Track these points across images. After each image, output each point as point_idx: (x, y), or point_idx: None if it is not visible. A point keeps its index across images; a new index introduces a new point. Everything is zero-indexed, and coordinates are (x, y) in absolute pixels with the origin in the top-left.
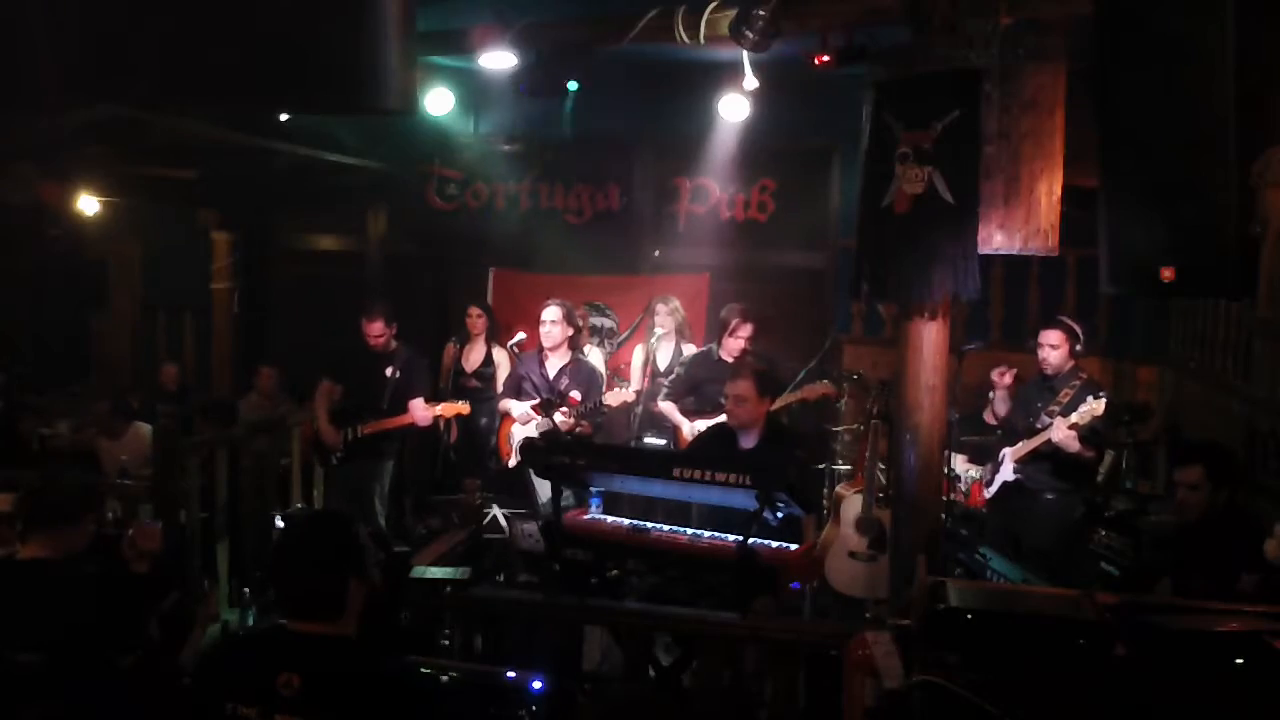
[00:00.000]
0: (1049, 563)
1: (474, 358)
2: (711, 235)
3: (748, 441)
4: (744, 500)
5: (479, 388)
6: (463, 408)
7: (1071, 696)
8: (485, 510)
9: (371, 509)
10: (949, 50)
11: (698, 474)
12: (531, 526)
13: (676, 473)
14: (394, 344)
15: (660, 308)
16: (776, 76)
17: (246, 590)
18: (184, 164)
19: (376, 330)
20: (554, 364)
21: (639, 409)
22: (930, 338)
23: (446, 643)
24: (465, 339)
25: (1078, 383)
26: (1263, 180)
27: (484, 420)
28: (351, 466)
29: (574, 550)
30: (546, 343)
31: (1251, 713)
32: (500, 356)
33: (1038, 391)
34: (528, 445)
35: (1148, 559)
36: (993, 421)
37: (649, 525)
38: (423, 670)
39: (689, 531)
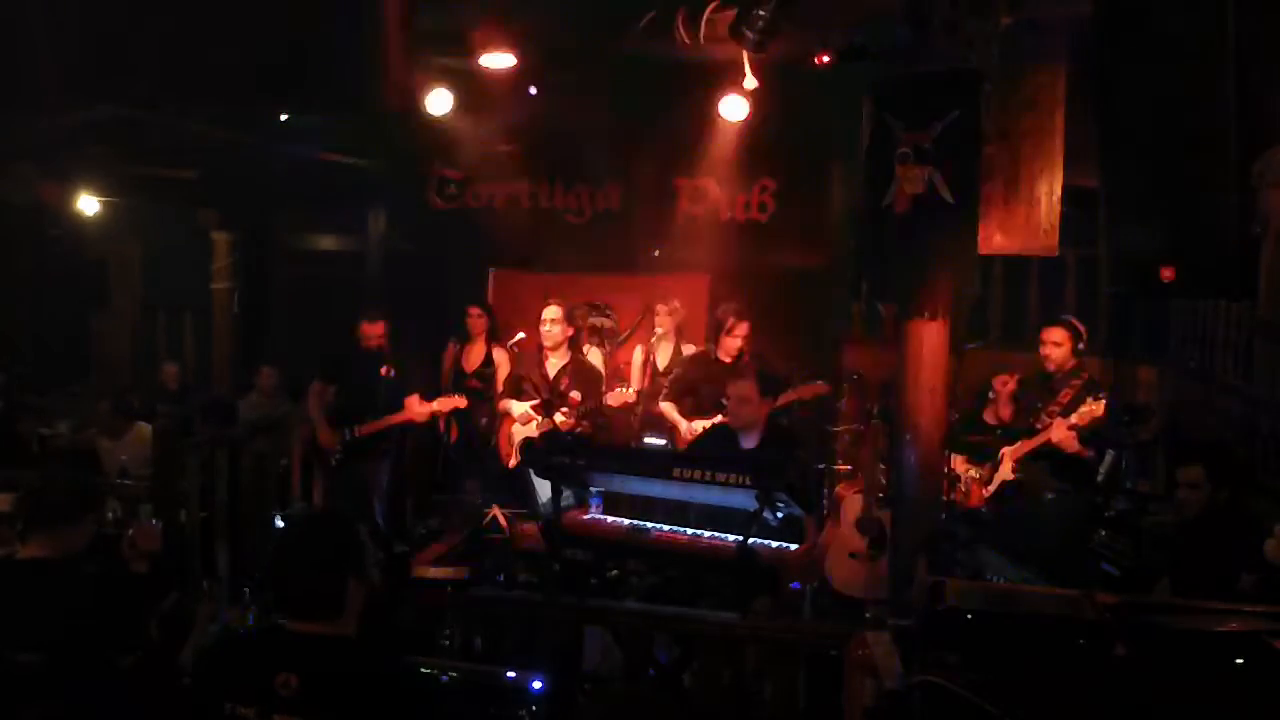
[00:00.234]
0: (1049, 563)
1: (474, 358)
2: (711, 235)
3: (749, 442)
4: (744, 500)
5: (479, 388)
6: (459, 400)
7: (1071, 696)
8: (485, 510)
9: (370, 509)
10: (949, 50)
11: (698, 474)
12: (531, 526)
13: (676, 473)
14: (387, 343)
15: (660, 308)
16: (776, 76)
17: (246, 590)
18: (184, 164)
19: (379, 331)
20: (554, 364)
21: (639, 409)
22: (930, 338)
23: (446, 643)
24: (465, 339)
25: (1077, 383)
26: (1263, 180)
27: (484, 420)
28: (350, 467)
29: (574, 550)
30: (546, 343)
31: (1251, 713)
32: (500, 356)
33: (1037, 392)
34: (528, 445)
35: (1148, 559)
36: (993, 422)
37: (649, 525)
38: (423, 670)
39: (689, 531)
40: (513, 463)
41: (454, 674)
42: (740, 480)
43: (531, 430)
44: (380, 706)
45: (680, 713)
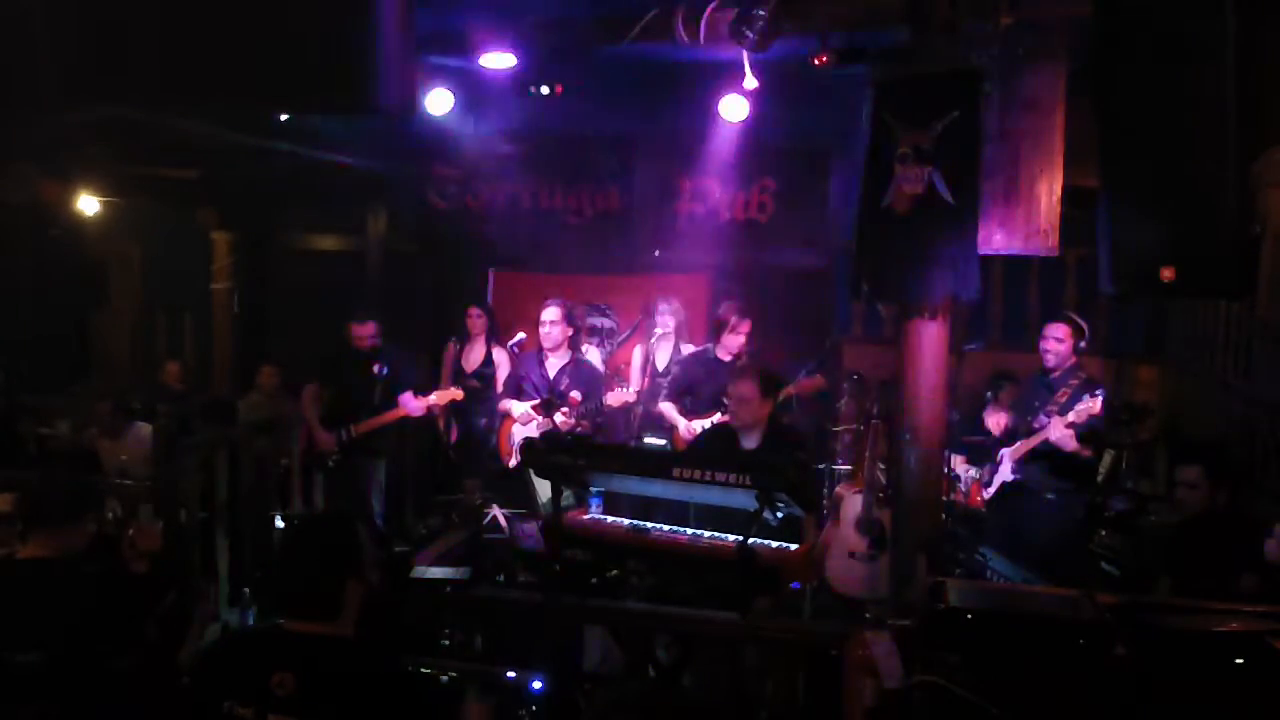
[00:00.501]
0: (1049, 563)
1: (474, 358)
2: (711, 235)
3: (750, 442)
4: (744, 500)
5: (479, 388)
6: (455, 393)
7: (1071, 696)
8: (485, 510)
9: (369, 508)
10: (949, 50)
11: (698, 474)
12: (531, 526)
13: (676, 473)
14: (380, 342)
15: (663, 307)
16: (776, 76)
17: (246, 590)
18: (184, 164)
19: (370, 332)
20: (554, 364)
21: (639, 409)
22: (930, 338)
23: (446, 643)
24: (465, 339)
25: (1075, 382)
26: (1262, 180)
27: (484, 420)
28: (348, 467)
29: (574, 550)
30: (546, 344)
31: (1251, 713)
32: (500, 356)
33: (1036, 390)
34: (528, 445)
35: (1148, 559)
36: (996, 433)
37: (649, 525)
38: (423, 670)
39: (689, 531)
40: (513, 463)
41: (454, 674)
42: (740, 480)
43: (531, 430)
44: (379, 707)
45: (680, 713)
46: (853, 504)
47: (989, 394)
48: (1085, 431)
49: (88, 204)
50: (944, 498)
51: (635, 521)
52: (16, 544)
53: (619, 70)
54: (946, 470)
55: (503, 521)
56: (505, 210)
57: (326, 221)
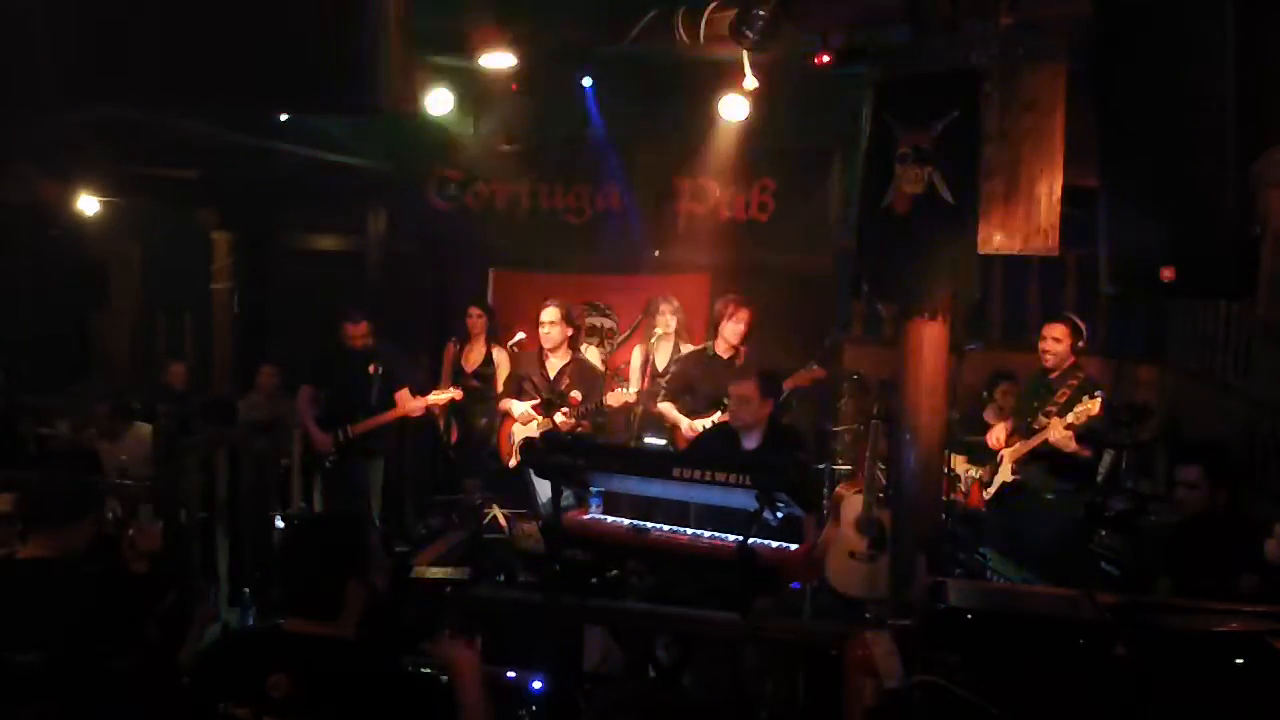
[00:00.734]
0: (1049, 563)
1: (474, 358)
2: (711, 235)
3: (750, 442)
4: (744, 500)
5: (479, 388)
6: (454, 393)
7: (1071, 696)
8: (485, 510)
9: (368, 508)
10: (949, 50)
11: (698, 474)
12: (531, 527)
13: (676, 473)
14: (374, 341)
15: (663, 307)
16: (776, 76)
17: (246, 590)
18: (184, 164)
19: (362, 331)
20: (554, 364)
21: (639, 409)
22: (930, 338)
23: None
24: (465, 339)
25: (1075, 382)
26: (1262, 180)
27: (484, 420)
28: (346, 468)
29: (574, 550)
30: (545, 344)
31: (1251, 713)
32: (500, 356)
33: (1035, 391)
34: (528, 445)
35: (1148, 559)
36: (994, 446)
37: (649, 525)
38: (423, 670)
39: (689, 531)
40: (513, 463)
41: None
42: (740, 480)
43: (531, 430)
44: (378, 707)
45: (680, 713)
46: (853, 504)
47: (985, 393)
48: (1084, 432)
49: (88, 204)
50: (944, 498)
51: (635, 521)
52: (16, 544)
53: (619, 70)
54: (946, 470)
55: (503, 521)
56: (505, 210)
57: (326, 221)
